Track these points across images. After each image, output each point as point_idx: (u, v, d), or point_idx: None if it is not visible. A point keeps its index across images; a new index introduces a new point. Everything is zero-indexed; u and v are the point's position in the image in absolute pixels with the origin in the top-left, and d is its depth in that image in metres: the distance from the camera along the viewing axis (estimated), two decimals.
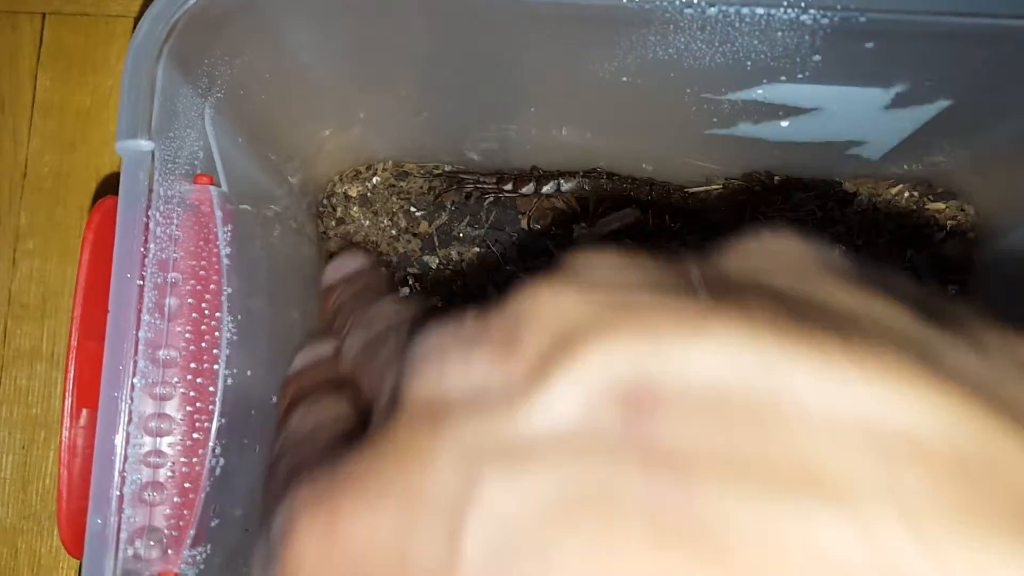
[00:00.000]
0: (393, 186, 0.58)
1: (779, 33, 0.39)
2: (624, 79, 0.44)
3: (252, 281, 0.43)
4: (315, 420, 0.28)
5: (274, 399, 0.47)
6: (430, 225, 0.57)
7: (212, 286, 0.39)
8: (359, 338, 0.30)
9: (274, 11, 0.39)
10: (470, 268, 0.56)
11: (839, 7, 0.36)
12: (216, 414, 0.38)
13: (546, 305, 0.18)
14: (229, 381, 0.39)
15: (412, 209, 0.58)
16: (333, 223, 0.57)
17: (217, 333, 0.39)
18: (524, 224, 0.57)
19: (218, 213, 0.39)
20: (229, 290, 0.39)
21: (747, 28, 0.39)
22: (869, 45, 0.39)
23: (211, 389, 0.38)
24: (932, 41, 0.39)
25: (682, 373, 0.16)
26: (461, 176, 0.57)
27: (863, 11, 0.37)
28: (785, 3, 0.36)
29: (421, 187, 0.58)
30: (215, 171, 0.40)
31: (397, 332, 0.28)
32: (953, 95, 0.44)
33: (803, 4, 0.36)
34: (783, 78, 0.43)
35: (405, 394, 0.20)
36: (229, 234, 0.40)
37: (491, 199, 0.57)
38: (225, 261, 0.39)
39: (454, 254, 0.57)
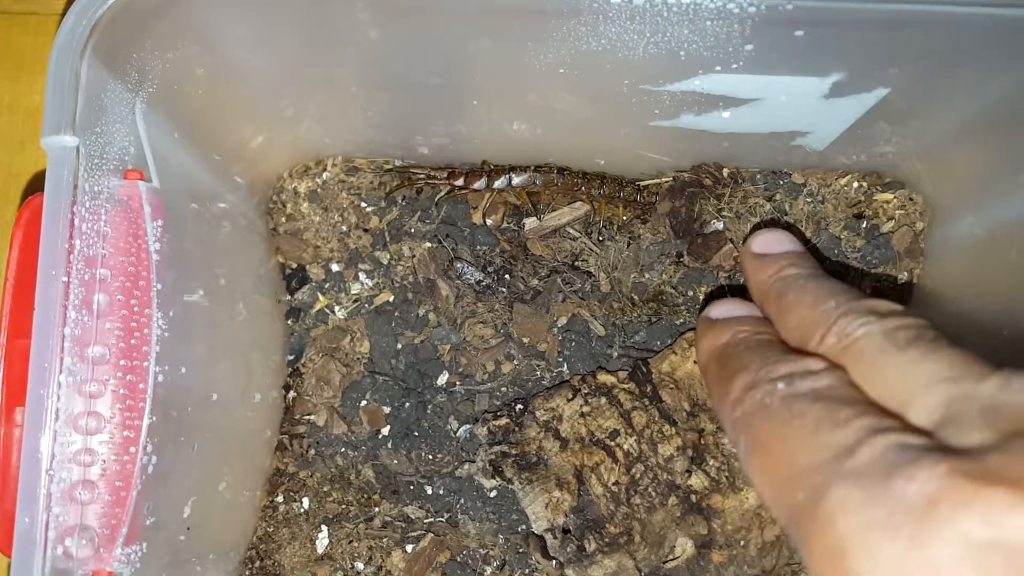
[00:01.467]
0: (343, 182, 0.57)
1: (708, 22, 0.39)
2: (561, 71, 0.44)
3: (187, 276, 0.43)
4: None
5: (215, 396, 0.47)
6: (380, 220, 0.57)
7: (142, 282, 0.38)
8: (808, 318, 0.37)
9: (200, 7, 0.39)
10: (421, 263, 0.56)
11: None
12: (147, 411, 0.38)
13: None
14: (160, 378, 0.39)
15: (362, 204, 0.57)
16: (283, 219, 0.57)
17: (147, 330, 0.38)
18: (476, 218, 0.57)
19: (147, 208, 0.39)
20: (159, 286, 0.39)
21: (675, 18, 0.38)
22: (799, 33, 0.39)
23: (141, 386, 0.38)
24: (862, 29, 0.39)
25: None
26: (412, 171, 0.57)
27: None
28: None
29: (371, 182, 0.57)
30: (146, 166, 0.40)
31: None
32: (891, 84, 0.44)
33: None
34: (718, 68, 0.43)
35: None
36: (159, 229, 0.39)
37: (442, 194, 0.57)
38: (155, 257, 0.39)
39: (405, 249, 0.57)
